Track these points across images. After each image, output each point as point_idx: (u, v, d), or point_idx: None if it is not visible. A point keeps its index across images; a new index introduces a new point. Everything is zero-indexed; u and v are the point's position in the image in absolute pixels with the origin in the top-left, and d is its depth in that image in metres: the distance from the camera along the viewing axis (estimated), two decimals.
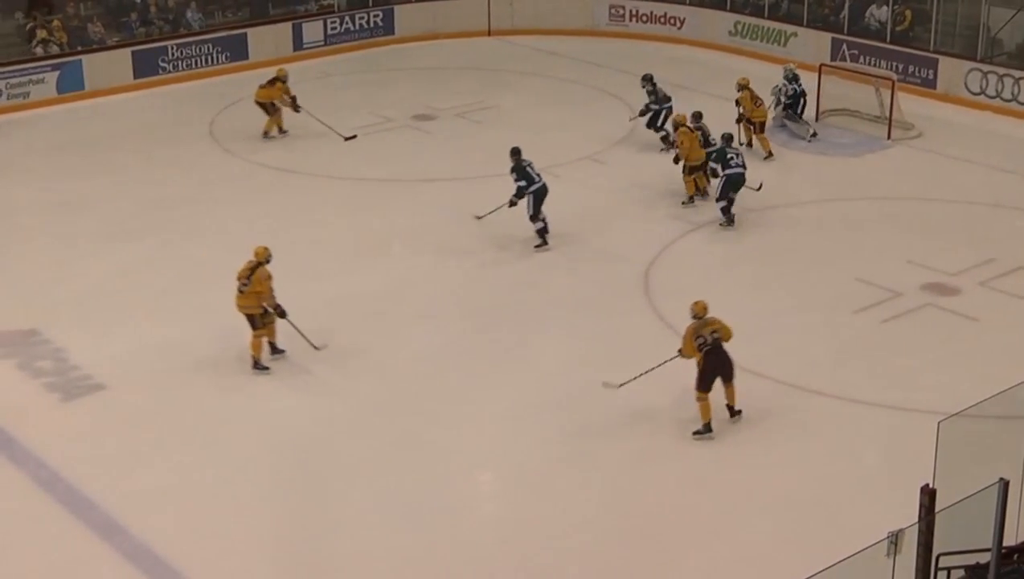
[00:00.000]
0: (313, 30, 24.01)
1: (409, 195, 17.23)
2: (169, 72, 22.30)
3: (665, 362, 11.56)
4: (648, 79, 18.60)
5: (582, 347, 12.96)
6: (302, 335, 12.54)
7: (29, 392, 12.18)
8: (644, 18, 25.15)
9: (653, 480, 10.78)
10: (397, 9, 24.93)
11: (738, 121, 18.30)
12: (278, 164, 18.34)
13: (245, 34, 23.20)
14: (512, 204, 15.07)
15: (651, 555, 9.77)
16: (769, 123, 18.85)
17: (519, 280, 14.61)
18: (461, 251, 15.31)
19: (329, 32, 24.20)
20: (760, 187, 16.12)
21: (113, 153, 18.93)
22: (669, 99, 18.56)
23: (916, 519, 7.27)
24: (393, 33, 24.91)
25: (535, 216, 15.08)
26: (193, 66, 22.56)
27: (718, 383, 11.29)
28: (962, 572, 7.78)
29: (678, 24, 24.86)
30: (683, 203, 16.50)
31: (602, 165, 18.22)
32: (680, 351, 11.39)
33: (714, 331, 11.20)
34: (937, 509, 7.23)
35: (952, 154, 18.67)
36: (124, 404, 11.97)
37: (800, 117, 19.32)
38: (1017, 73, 20.37)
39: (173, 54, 22.39)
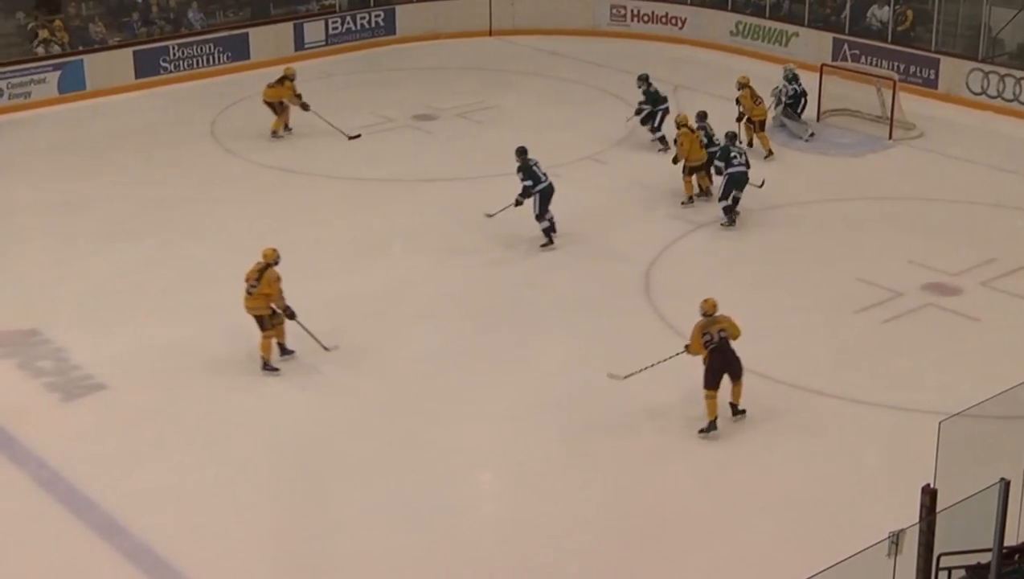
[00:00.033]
0: (314, 30, 24.01)
1: (410, 195, 17.22)
2: (170, 72, 22.30)
3: (671, 357, 11.59)
4: (643, 79, 18.61)
5: (582, 347, 12.95)
6: (312, 336, 12.52)
7: (30, 392, 12.17)
8: (645, 18, 25.14)
9: (653, 480, 10.77)
10: (398, 9, 24.93)
11: (739, 120, 18.29)
12: (279, 164, 18.34)
13: (246, 34, 23.20)
14: (518, 203, 15.07)
15: (651, 555, 9.76)
16: (769, 123, 18.84)
17: (520, 280, 14.60)
18: (461, 251, 15.30)
19: (330, 32, 24.20)
20: (763, 184, 16.12)
21: (114, 153, 18.94)
22: (665, 100, 18.56)
23: (917, 519, 7.26)
24: (394, 33, 24.91)
25: (541, 215, 15.08)
26: (194, 66, 22.56)
27: (727, 381, 11.28)
28: (963, 572, 7.77)
29: (679, 24, 24.85)
30: (682, 203, 16.49)
31: (603, 165, 18.22)
32: (687, 347, 11.38)
33: (722, 330, 11.19)
34: (938, 509, 7.22)
35: (953, 154, 18.66)
36: (125, 404, 11.97)
37: (799, 117, 19.31)
38: (1018, 73, 20.35)
39: (174, 54, 22.39)
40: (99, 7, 22.71)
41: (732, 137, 16.23)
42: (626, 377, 11.69)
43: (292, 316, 12.31)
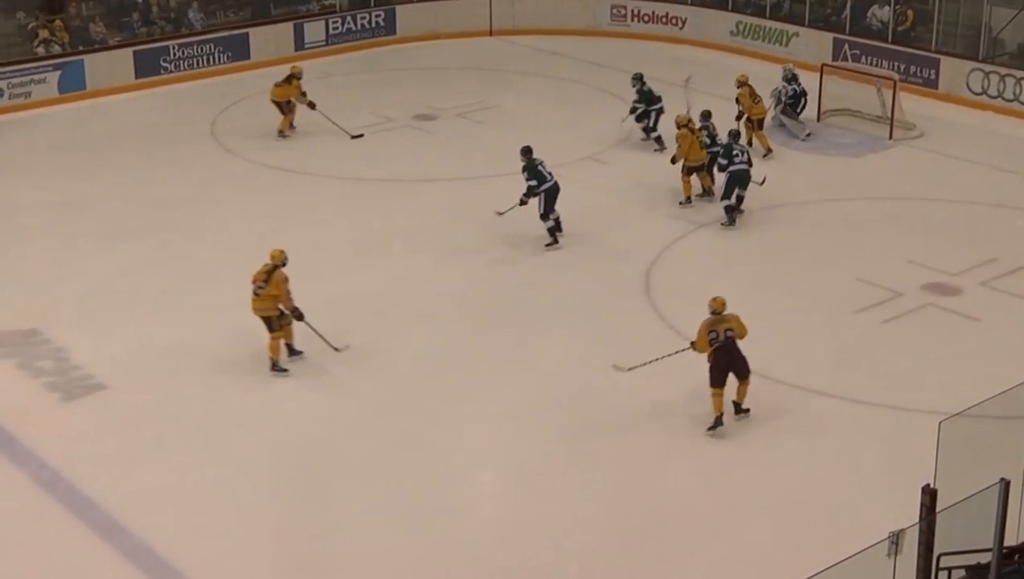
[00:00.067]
0: (315, 30, 24.02)
1: (410, 195, 17.22)
2: (171, 72, 22.30)
3: (676, 352, 11.64)
4: (638, 78, 18.62)
5: (583, 347, 12.95)
6: (321, 337, 12.51)
7: (30, 392, 12.17)
8: (646, 18, 25.14)
9: (653, 480, 10.77)
10: (399, 9, 24.93)
11: (738, 118, 18.29)
12: (279, 164, 18.35)
13: (247, 34, 23.20)
14: (523, 203, 15.07)
15: (651, 555, 9.76)
16: (768, 122, 18.85)
17: (520, 280, 14.60)
18: (462, 251, 15.30)
19: (331, 32, 24.20)
20: (764, 181, 16.12)
21: (114, 153, 18.94)
22: (659, 99, 18.57)
23: (917, 519, 7.26)
24: (394, 33, 24.91)
25: (545, 215, 15.09)
26: (195, 66, 22.56)
27: (733, 379, 11.29)
28: (963, 572, 7.77)
29: (680, 24, 24.85)
30: (680, 203, 16.49)
31: (603, 165, 18.22)
32: (693, 344, 11.39)
33: (729, 329, 11.20)
34: (938, 509, 7.22)
35: (954, 154, 18.66)
36: (125, 404, 11.96)
37: (798, 116, 19.31)
38: (1019, 73, 20.35)
39: (175, 54, 22.40)
40: (99, 7, 22.71)
41: (735, 135, 16.25)
42: (630, 369, 11.72)
43: (300, 317, 12.31)
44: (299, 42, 23.75)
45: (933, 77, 21.24)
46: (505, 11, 25.39)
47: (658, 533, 10.04)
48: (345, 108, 19.84)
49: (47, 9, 21.96)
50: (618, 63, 22.64)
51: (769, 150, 18.22)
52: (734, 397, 11.38)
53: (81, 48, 21.81)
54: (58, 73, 21.26)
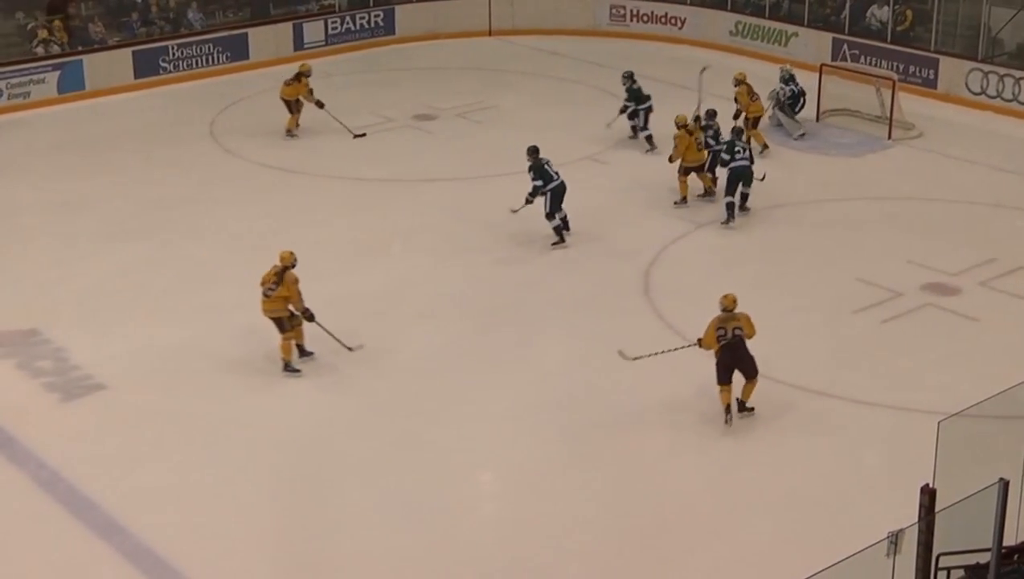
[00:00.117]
0: (314, 30, 24.01)
1: (410, 195, 17.22)
2: (170, 72, 22.30)
3: (682, 347, 11.70)
4: (628, 76, 18.65)
5: (582, 347, 12.95)
6: (333, 337, 12.51)
7: (29, 392, 12.17)
8: (645, 18, 25.15)
9: (653, 480, 10.77)
10: (398, 9, 24.93)
11: (735, 117, 18.29)
12: (279, 164, 18.35)
13: (246, 34, 23.20)
14: (528, 202, 15.08)
15: (651, 555, 9.77)
16: (765, 122, 18.87)
17: (519, 280, 14.60)
18: (462, 251, 15.31)
19: (330, 32, 24.20)
20: (764, 177, 16.14)
21: (113, 153, 18.94)
22: (648, 98, 18.58)
23: (916, 519, 7.27)
24: (394, 33, 24.91)
25: (551, 214, 15.10)
26: (194, 66, 22.56)
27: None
28: (962, 572, 7.78)
29: (679, 24, 24.86)
30: (675, 203, 16.50)
31: (603, 165, 18.22)
32: (699, 341, 11.40)
33: (737, 327, 11.22)
34: (937, 509, 7.23)
35: (953, 154, 18.66)
36: (124, 404, 11.97)
37: (795, 116, 19.31)
38: (1018, 73, 20.36)
39: (174, 54, 22.39)
40: (98, 7, 22.71)
41: (738, 132, 16.29)
42: (635, 359, 11.76)
43: (311, 318, 12.32)
44: (298, 42, 23.75)
45: (932, 77, 21.25)
46: (504, 11, 25.39)
47: (658, 533, 10.05)
48: (344, 108, 19.83)
49: (50, 10, 21.96)
50: (617, 63, 22.54)
51: (765, 147, 18.23)
52: (739, 395, 11.39)
53: (80, 48, 21.81)
54: (57, 73, 21.25)
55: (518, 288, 14.38)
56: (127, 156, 18.74)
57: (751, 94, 18.43)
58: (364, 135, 19.22)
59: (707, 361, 11.50)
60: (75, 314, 13.72)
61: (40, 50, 21.39)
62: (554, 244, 15.21)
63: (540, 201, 15.08)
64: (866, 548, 6.75)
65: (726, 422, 11.27)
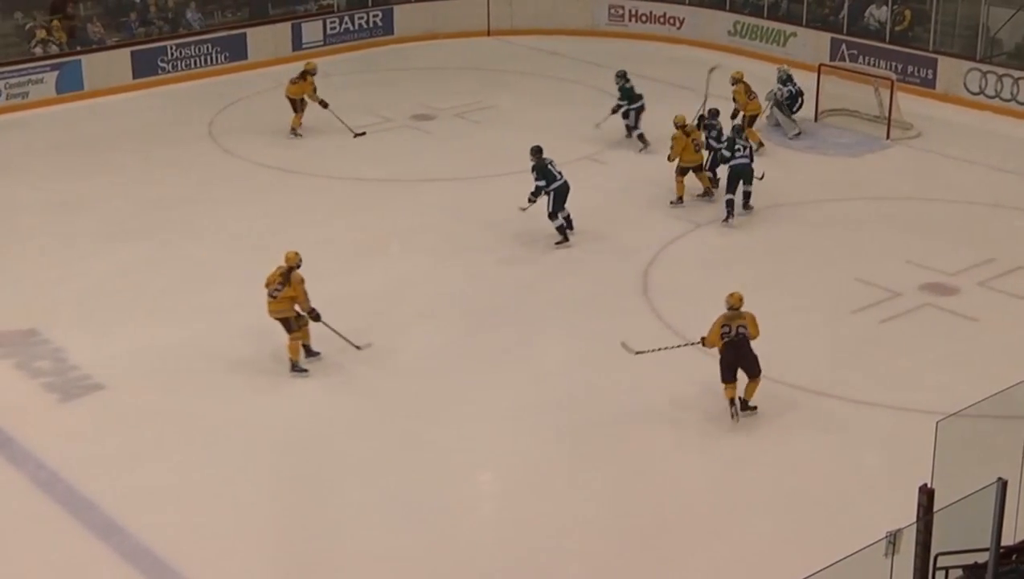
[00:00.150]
0: (312, 30, 24.01)
1: (408, 195, 17.23)
2: (168, 72, 22.29)
3: (686, 344, 11.73)
4: (621, 75, 18.67)
5: (582, 347, 12.96)
6: (340, 336, 12.51)
7: (28, 392, 12.18)
8: (643, 18, 25.15)
9: (653, 480, 10.79)
10: (396, 9, 24.93)
11: (733, 116, 18.31)
12: (277, 164, 18.35)
13: (244, 34, 23.19)
14: (531, 201, 15.09)
15: (651, 555, 9.78)
16: (762, 122, 18.88)
17: (518, 280, 14.61)
18: (461, 251, 15.32)
19: (328, 32, 24.20)
20: (763, 176, 16.15)
21: (112, 153, 18.93)
22: (640, 97, 18.60)
23: (915, 519, 7.28)
24: (392, 33, 24.91)
25: (554, 214, 15.13)
26: (192, 66, 22.56)
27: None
28: (960, 572, 7.78)
29: (677, 24, 24.86)
30: (671, 203, 16.51)
31: (601, 165, 18.23)
32: (703, 340, 11.41)
33: (742, 325, 11.23)
34: (935, 509, 7.23)
35: (951, 154, 18.68)
36: (123, 404, 11.97)
37: (791, 115, 19.32)
38: (1016, 73, 20.37)
39: (172, 54, 22.38)
40: (97, 7, 22.70)
41: (739, 130, 16.30)
42: (638, 353, 11.79)
43: (317, 318, 12.32)
44: (297, 42, 23.73)
45: (931, 77, 21.26)
46: (503, 11, 25.39)
47: (658, 533, 10.06)
48: (343, 108, 19.81)
49: (53, 9, 21.94)
50: (616, 63, 22.47)
51: (760, 145, 18.25)
52: (742, 394, 11.41)
53: (79, 48, 21.80)
54: (56, 73, 21.24)
55: (517, 288, 14.39)
56: (126, 156, 18.74)
57: (749, 93, 18.46)
58: (364, 133, 19.24)
59: (706, 362, 11.53)
60: (74, 314, 13.72)
61: (38, 50, 21.38)
62: (558, 243, 15.23)
63: (544, 200, 15.09)
64: (864, 548, 6.75)
65: (732, 417, 11.30)
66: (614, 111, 18.68)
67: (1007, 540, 7.61)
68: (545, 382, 12.27)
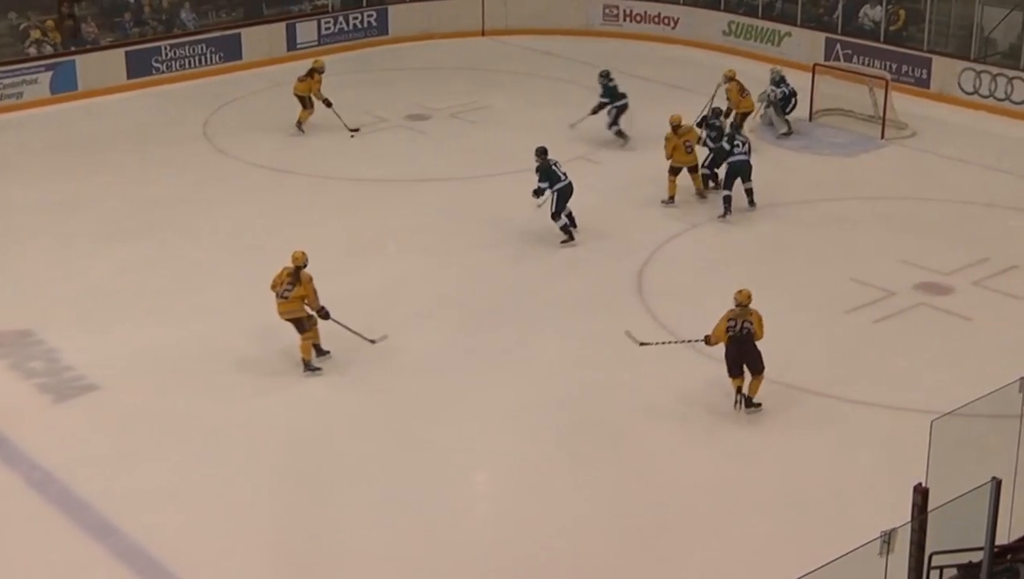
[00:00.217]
0: (307, 30, 23.99)
1: (404, 195, 17.23)
2: (163, 72, 22.27)
3: (690, 341, 11.76)
4: (604, 75, 18.73)
5: (579, 347, 12.97)
6: (352, 332, 12.50)
7: (22, 393, 12.16)
8: (638, 18, 25.17)
9: (652, 480, 10.80)
10: (391, 9, 24.92)
11: (726, 115, 18.33)
12: (272, 164, 18.35)
13: (239, 34, 23.17)
14: (536, 195, 15.15)
15: (650, 554, 9.79)
16: (756, 122, 18.89)
17: (514, 280, 14.62)
18: (457, 251, 15.33)
19: (323, 32, 24.18)
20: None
21: (107, 153, 18.92)
22: (623, 96, 18.63)
23: (909, 518, 7.29)
24: (387, 33, 24.90)
25: (557, 214, 15.19)
26: (187, 66, 22.54)
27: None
28: (955, 571, 7.79)
29: (672, 24, 24.88)
30: (663, 202, 16.53)
31: (596, 165, 18.24)
32: (707, 338, 11.46)
33: (748, 322, 11.27)
34: (930, 508, 7.25)
35: (946, 154, 18.71)
36: (118, 404, 11.96)
37: (785, 116, 19.34)
38: (1010, 73, 20.41)
39: (167, 54, 22.37)
40: (91, 7, 22.67)
41: (737, 127, 16.33)
42: (642, 344, 11.82)
43: (326, 316, 12.31)
44: (291, 42, 23.73)
45: (925, 77, 21.30)
46: (498, 11, 25.40)
47: (657, 532, 10.07)
48: (338, 108, 19.82)
49: (53, 9, 21.92)
50: (611, 63, 22.50)
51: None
52: (746, 391, 11.46)
53: (73, 48, 21.78)
54: (50, 73, 21.21)
55: (514, 288, 14.40)
56: (121, 156, 18.73)
57: (742, 91, 18.49)
58: (358, 130, 19.24)
59: (706, 362, 11.55)
60: (70, 314, 13.71)
61: (32, 50, 21.35)
62: (563, 242, 15.26)
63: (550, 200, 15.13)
64: (859, 547, 6.77)
65: (735, 405, 11.35)
66: (594, 111, 18.71)
67: (1001, 539, 7.63)
68: (545, 382, 12.28)
